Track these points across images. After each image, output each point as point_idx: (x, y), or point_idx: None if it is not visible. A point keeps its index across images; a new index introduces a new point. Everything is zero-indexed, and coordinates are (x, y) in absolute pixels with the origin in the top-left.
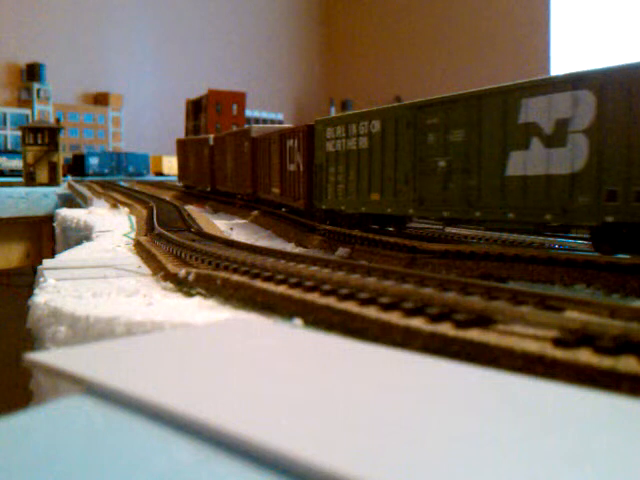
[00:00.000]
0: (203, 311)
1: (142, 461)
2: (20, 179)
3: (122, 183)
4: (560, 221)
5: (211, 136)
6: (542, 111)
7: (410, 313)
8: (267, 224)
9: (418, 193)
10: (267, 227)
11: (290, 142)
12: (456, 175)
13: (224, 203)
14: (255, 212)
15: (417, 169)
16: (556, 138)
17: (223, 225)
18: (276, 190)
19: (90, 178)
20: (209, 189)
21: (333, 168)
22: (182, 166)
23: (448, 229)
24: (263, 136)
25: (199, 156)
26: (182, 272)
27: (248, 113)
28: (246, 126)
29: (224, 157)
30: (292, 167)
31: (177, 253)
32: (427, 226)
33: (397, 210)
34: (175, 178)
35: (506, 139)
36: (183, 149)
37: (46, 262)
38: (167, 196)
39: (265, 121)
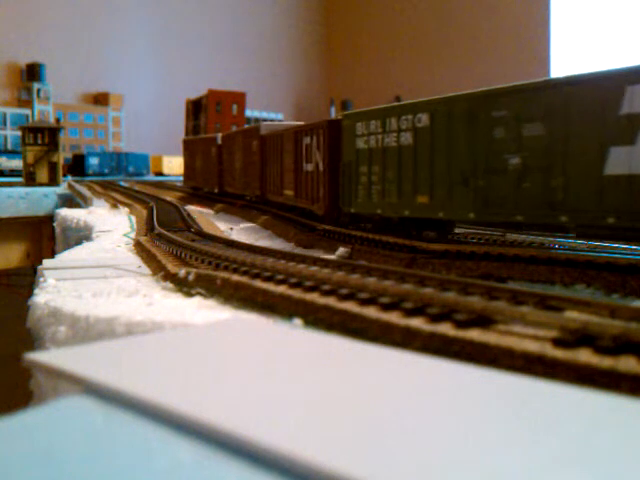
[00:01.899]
0: (203, 311)
1: (142, 461)
2: (20, 179)
3: (122, 183)
4: None
5: (219, 135)
6: None
7: (410, 313)
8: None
9: (482, 195)
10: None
11: (307, 139)
12: (533, 174)
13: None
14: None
15: (480, 168)
16: None
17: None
18: (289, 192)
19: (90, 178)
20: (217, 190)
21: (365, 167)
22: (189, 166)
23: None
24: (273, 134)
25: (206, 156)
26: (182, 272)
27: (248, 113)
28: (255, 123)
29: (232, 157)
30: (309, 167)
31: (177, 253)
32: (476, 231)
33: (452, 214)
34: (175, 178)
35: (604, 133)
36: (190, 149)
37: (46, 262)
38: (172, 197)
39: (265, 121)
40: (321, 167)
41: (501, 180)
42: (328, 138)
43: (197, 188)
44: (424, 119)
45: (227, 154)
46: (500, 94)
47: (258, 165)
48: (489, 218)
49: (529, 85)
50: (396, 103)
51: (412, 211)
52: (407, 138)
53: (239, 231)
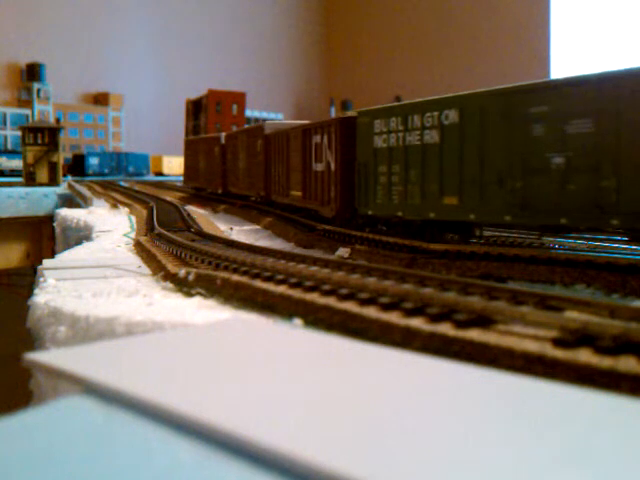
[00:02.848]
0: (203, 311)
1: (142, 461)
2: (20, 179)
3: (122, 183)
4: None
5: (223, 134)
6: None
7: (410, 313)
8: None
9: (520, 196)
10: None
11: (317, 138)
12: (579, 174)
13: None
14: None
15: (517, 167)
16: None
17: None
18: (296, 193)
19: (90, 178)
20: (220, 191)
21: (384, 167)
22: (191, 167)
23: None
24: (278, 133)
25: (210, 156)
26: (182, 272)
27: (248, 113)
28: (254, 124)
29: (236, 157)
30: (319, 167)
31: (177, 253)
32: (504, 234)
33: (485, 217)
34: (175, 178)
35: None
36: (192, 149)
37: (46, 262)
38: (172, 198)
39: (258, 123)
40: (333, 167)
41: (542, 181)
42: (340, 136)
43: (200, 189)
44: (452, 116)
45: (231, 154)
46: (540, 89)
47: (262, 165)
48: (528, 221)
49: (574, 79)
50: (419, 99)
51: (438, 213)
52: (432, 136)
53: (239, 231)
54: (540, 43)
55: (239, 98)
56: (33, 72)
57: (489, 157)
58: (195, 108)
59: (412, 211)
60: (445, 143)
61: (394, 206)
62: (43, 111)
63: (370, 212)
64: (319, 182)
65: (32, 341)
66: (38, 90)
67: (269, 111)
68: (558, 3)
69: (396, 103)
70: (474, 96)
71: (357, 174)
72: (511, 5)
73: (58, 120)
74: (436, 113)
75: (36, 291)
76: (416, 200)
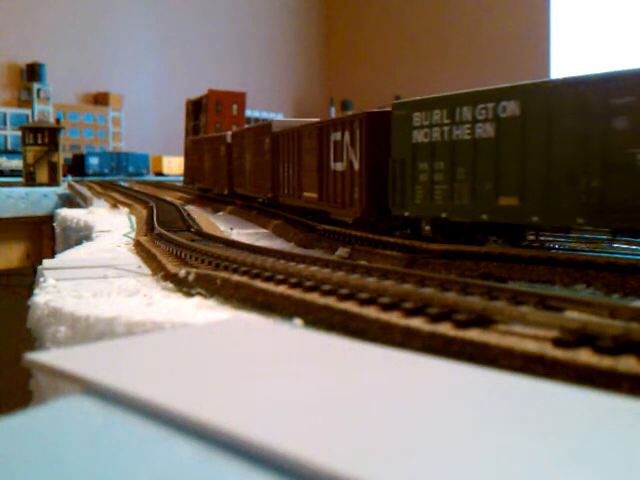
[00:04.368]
0: (203, 311)
1: (142, 461)
2: (20, 179)
3: (122, 183)
4: None
5: (229, 133)
6: None
7: (410, 313)
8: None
9: (596, 196)
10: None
11: (336, 136)
12: None
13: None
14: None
15: (594, 165)
16: None
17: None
18: (311, 195)
19: (90, 178)
20: (226, 192)
21: (426, 164)
22: (197, 167)
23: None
24: (287, 131)
25: (215, 156)
26: (182, 272)
27: (248, 113)
28: (259, 122)
29: (242, 156)
30: (339, 166)
31: (177, 253)
32: (562, 238)
33: (551, 219)
34: (174, 178)
35: None
36: (197, 148)
37: (46, 262)
38: (172, 198)
39: (265, 121)
40: (356, 166)
41: (625, 179)
42: (367, 133)
43: (206, 190)
44: (511, 108)
45: (237, 154)
46: (623, 78)
47: (269, 165)
48: (605, 224)
49: None
50: (470, 89)
51: (492, 215)
52: (486, 130)
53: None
54: (540, 43)
55: (239, 98)
56: (33, 72)
57: (558, 153)
58: (195, 108)
59: (459, 212)
60: (502, 138)
61: (437, 207)
62: (43, 111)
63: (407, 213)
64: (339, 183)
65: (32, 341)
66: (38, 90)
67: (269, 111)
68: (558, 3)
69: (442, 94)
70: (539, 86)
71: (391, 172)
72: (511, 5)
73: (58, 120)
74: (491, 105)
75: (36, 291)
76: (464, 200)
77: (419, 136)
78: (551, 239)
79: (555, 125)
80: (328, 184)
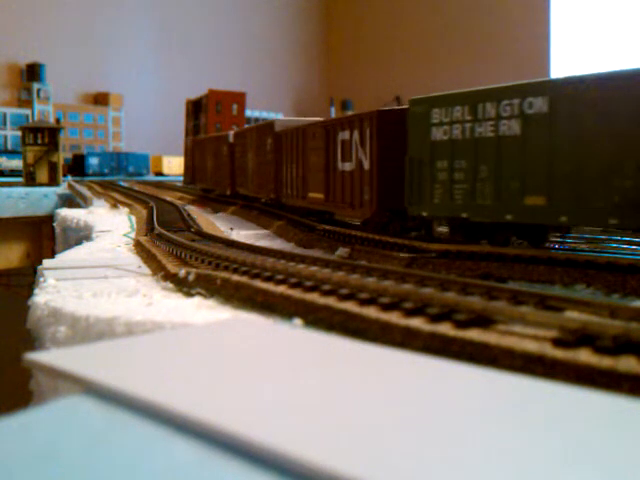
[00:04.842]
0: (203, 311)
1: (142, 461)
2: (20, 179)
3: (122, 183)
4: None
5: (231, 132)
6: None
7: (410, 313)
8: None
9: (632, 196)
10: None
11: (344, 135)
12: None
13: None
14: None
15: (629, 163)
16: None
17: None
18: (316, 195)
19: (90, 178)
20: (229, 193)
21: (445, 162)
22: (199, 167)
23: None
24: (291, 130)
25: (218, 156)
26: (182, 272)
27: (248, 113)
28: (259, 122)
29: (245, 156)
30: (348, 166)
31: (177, 253)
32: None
33: (581, 219)
34: (174, 178)
35: None
36: (200, 148)
37: (46, 262)
38: (172, 198)
39: (268, 120)
40: (366, 166)
41: None
42: (378, 131)
43: (208, 190)
44: (539, 104)
45: (239, 153)
46: None
47: (272, 165)
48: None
49: None
50: (493, 85)
51: (517, 215)
52: (511, 127)
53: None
54: (540, 42)
55: (239, 98)
56: (33, 72)
57: (590, 151)
58: (195, 108)
59: (481, 212)
60: (529, 135)
61: (457, 206)
62: (43, 111)
63: (424, 213)
64: (347, 183)
65: (32, 341)
66: (38, 90)
67: (269, 111)
68: (558, 3)
69: (466, 89)
70: (568, 81)
71: (408, 171)
72: (511, 5)
73: (58, 120)
74: (516, 101)
75: (36, 291)
76: (487, 200)
77: (438, 133)
78: (573, 241)
79: (586, 122)
80: (335, 184)
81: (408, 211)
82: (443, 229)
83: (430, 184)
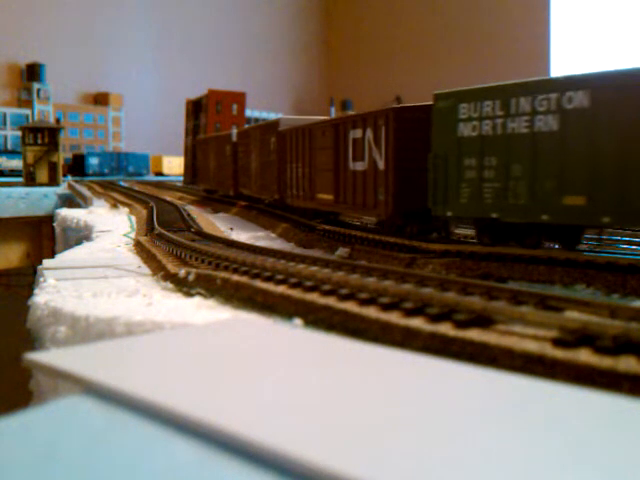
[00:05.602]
0: (203, 311)
1: (142, 461)
2: (20, 179)
3: (122, 183)
4: None
5: (234, 131)
6: None
7: (410, 313)
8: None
9: None
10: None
11: (356, 133)
12: None
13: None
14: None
15: None
16: None
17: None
18: (326, 196)
19: (90, 178)
20: (232, 193)
21: (473, 159)
22: (201, 168)
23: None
24: (296, 129)
25: (221, 156)
26: (182, 272)
27: (248, 113)
28: (259, 122)
29: (248, 156)
30: (359, 166)
31: (177, 253)
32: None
33: (625, 220)
34: (174, 178)
35: None
36: (202, 148)
37: (46, 262)
38: (171, 198)
39: (272, 119)
40: (381, 166)
41: None
42: (394, 130)
43: (212, 191)
44: (579, 98)
45: (243, 153)
46: None
47: (276, 165)
48: None
49: None
50: (528, 79)
51: (554, 216)
52: (548, 122)
53: (239, 235)
54: (540, 42)
55: (239, 98)
56: (33, 72)
57: (634, 149)
58: (195, 108)
59: (514, 213)
60: (568, 131)
61: (486, 206)
62: (43, 111)
63: (450, 213)
64: (359, 184)
65: (32, 341)
66: (38, 90)
67: (269, 111)
68: (558, 3)
69: (498, 83)
70: (612, 75)
71: (432, 168)
72: (511, 5)
73: (58, 120)
74: (554, 95)
75: (36, 291)
76: (521, 200)
77: (466, 129)
78: (599, 245)
79: (631, 117)
80: (346, 185)
81: (432, 211)
82: (460, 231)
83: (456, 183)
